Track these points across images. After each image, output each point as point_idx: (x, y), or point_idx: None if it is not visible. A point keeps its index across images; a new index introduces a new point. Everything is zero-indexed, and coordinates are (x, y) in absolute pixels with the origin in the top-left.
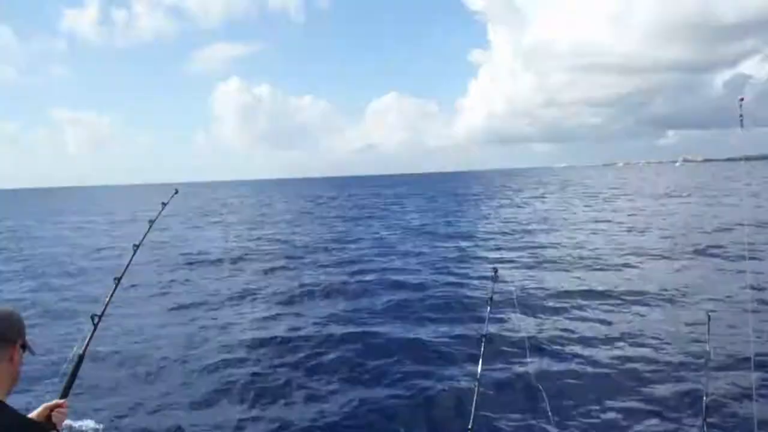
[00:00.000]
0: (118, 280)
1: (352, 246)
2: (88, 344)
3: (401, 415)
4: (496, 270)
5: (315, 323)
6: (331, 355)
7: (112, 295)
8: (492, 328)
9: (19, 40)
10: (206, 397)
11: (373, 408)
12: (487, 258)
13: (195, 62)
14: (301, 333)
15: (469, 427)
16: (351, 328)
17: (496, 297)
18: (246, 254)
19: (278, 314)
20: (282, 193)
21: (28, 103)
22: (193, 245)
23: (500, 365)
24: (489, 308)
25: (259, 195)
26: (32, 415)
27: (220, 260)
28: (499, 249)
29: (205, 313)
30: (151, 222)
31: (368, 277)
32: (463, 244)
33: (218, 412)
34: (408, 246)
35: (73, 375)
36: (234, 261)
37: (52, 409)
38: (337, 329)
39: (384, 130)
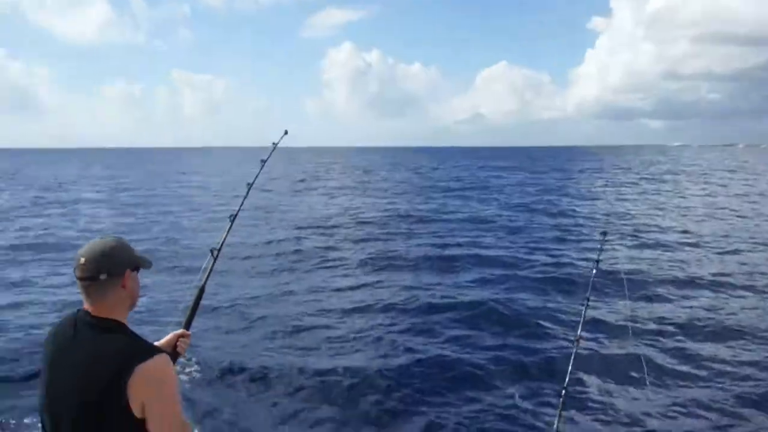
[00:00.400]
0: (233, 217)
1: (449, 218)
2: (208, 277)
3: (496, 374)
4: (605, 233)
5: (407, 291)
6: (422, 321)
7: (228, 231)
8: (595, 296)
9: (149, 5)
10: (297, 351)
11: (467, 369)
12: (589, 237)
13: (309, 28)
14: (396, 299)
15: (564, 386)
16: (444, 297)
17: (600, 269)
18: (343, 221)
19: (370, 281)
20: (385, 162)
21: (152, 66)
22: (293, 209)
23: (601, 332)
24: (594, 271)
25: (362, 162)
26: (161, 342)
27: (318, 226)
28: (602, 230)
29: (300, 275)
30: (263, 162)
31: (462, 251)
32: (564, 222)
33: (309, 363)
34: (505, 221)
35: (195, 306)
36: (331, 227)
37: (178, 337)
38: (428, 298)
39: (491, 101)
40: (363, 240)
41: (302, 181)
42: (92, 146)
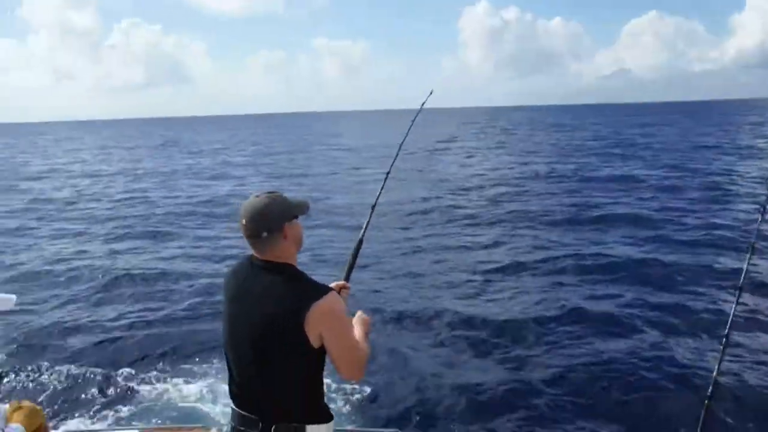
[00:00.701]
0: (387, 173)
1: (591, 177)
2: (365, 229)
3: (647, 327)
4: None
5: (548, 250)
6: (564, 279)
7: (383, 187)
8: (760, 254)
9: None
10: (442, 303)
11: (614, 324)
12: (748, 198)
13: None
14: (537, 257)
15: (726, 333)
16: (587, 257)
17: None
18: (482, 181)
19: (510, 240)
20: (523, 121)
21: (292, 34)
22: (433, 170)
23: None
24: (760, 218)
25: (500, 122)
26: None
27: (457, 186)
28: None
29: (440, 231)
30: (412, 120)
31: (606, 211)
32: (720, 181)
33: (453, 314)
34: (653, 180)
35: (354, 258)
36: (470, 187)
37: (339, 288)
38: (571, 258)
39: (639, 54)
40: (502, 200)
41: (441, 141)
42: (239, 113)
